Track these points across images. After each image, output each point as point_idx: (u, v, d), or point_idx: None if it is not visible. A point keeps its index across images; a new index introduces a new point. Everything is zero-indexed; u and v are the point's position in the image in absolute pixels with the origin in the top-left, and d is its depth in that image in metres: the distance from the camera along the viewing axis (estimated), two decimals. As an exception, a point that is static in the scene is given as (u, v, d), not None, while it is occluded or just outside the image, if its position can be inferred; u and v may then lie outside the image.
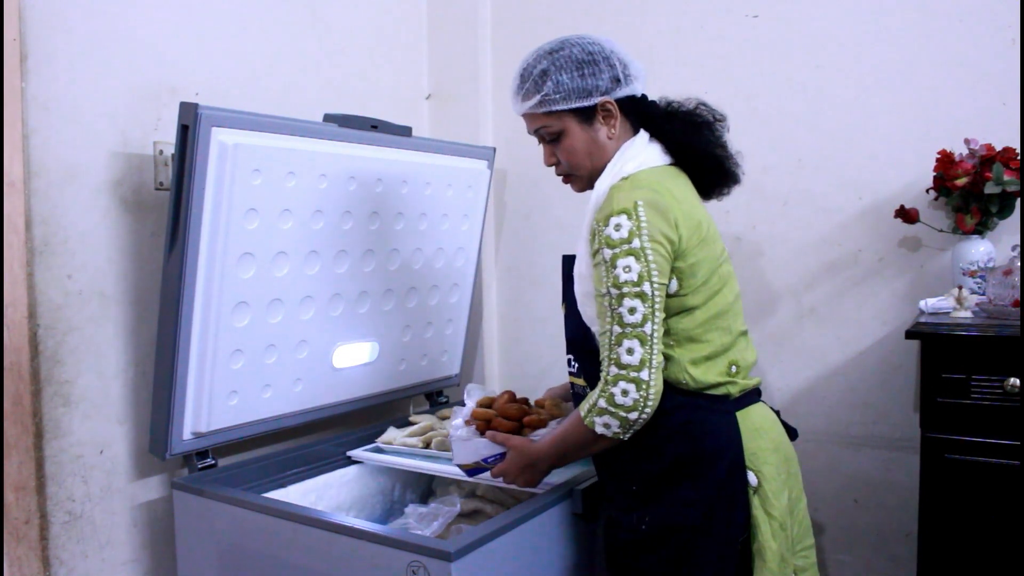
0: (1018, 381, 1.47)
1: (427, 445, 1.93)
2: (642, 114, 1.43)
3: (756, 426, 1.40)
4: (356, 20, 2.27)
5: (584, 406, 1.31)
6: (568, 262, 1.49)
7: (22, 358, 1.54)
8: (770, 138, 2.11)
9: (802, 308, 2.10)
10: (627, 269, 1.25)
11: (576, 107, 1.36)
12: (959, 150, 1.81)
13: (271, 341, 1.77)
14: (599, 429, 1.29)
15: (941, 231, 1.90)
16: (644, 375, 1.25)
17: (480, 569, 1.32)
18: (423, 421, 2.09)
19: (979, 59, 1.86)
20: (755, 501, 1.36)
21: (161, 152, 1.76)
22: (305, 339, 1.84)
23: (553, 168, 1.46)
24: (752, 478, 1.36)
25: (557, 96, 1.35)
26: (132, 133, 1.72)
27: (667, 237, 1.29)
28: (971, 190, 1.77)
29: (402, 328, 2.12)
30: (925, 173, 1.88)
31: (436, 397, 2.36)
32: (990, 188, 1.72)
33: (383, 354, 2.08)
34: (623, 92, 1.38)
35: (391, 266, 2.02)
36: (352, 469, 1.96)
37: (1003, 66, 1.84)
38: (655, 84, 2.26)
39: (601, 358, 1.30)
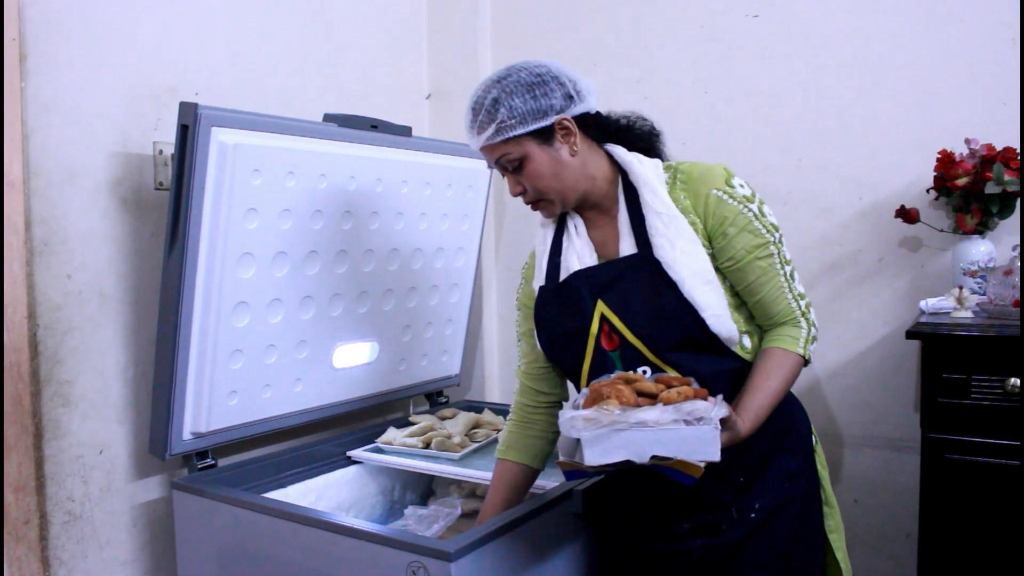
0: (1019, 381, 1.47)
1: (427, 445, 1.93)
2: (602, 128, 1.41)
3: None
4: (356, 20, 2.27)
5: (796, 341, 1.34)
6: (615, 265, 1.36)
7: (22, 358, 1.54)
8: (770, 138, 2.11)
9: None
10: (770, 213, 1.34)
11: (533, 129, 1.31)
12: (959, 150, 1.80)
13: (271, 341, 1.77)
14: (812, 358, 1.38)
15: (941, 231, 1.90)
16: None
17: (480, 569, 1.31)
18: (423, 421, 2.09)
19: (979, 59, 1.86)
20: (816, 457, 1.45)
21: (161, 152, 1.76)
22: (305, 339, 1.84)
23: (521, 197, 1.39)
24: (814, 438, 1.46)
25: (512, 121, 1.30)
26: (132, 133, 1.72)
27: None
28: (971, 190, 1.77)
29: (402, 328, 2.12)
30: (925, 173, 1.88)
31: (436, 397, 2.35)
32: (991, 188, 1.72)
33: (383, 354, 2.08)
34: (578, 109, 1.34)
35: (391, 266, 2.02)
36: (352, 469, 1.96)
37: (1003, 66, 1.84)
38: (653, 84, 2.28)
39: (780, 306, 1.36)
